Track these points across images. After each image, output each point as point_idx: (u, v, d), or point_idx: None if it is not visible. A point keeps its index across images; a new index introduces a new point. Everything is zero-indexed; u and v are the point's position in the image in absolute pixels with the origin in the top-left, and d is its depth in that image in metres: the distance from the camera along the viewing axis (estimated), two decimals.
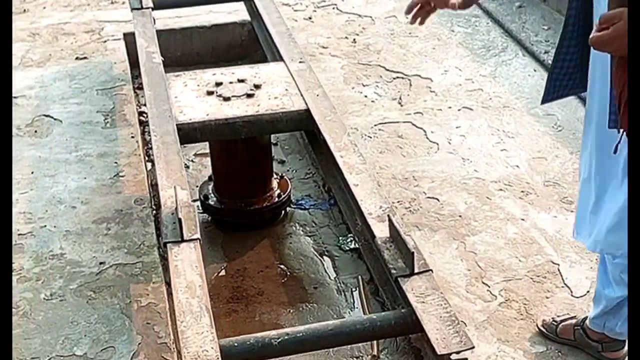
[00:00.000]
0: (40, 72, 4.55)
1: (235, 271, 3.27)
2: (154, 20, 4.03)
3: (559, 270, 3.03)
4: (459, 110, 4.18)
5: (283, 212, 3.56)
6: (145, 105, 4.29)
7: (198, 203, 3.52)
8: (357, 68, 4.65)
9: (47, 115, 4.08)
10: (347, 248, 3.35)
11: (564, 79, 2.19)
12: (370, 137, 3.94)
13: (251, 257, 3.33)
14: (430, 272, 2.18)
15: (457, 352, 1.94)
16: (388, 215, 2.33)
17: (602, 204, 2.26)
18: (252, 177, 3.43)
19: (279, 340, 2.04)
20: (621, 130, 1.90)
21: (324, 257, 3.35)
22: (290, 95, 3.16)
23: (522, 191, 3.50)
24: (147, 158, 3.91)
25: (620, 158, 2.10)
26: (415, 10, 2.39)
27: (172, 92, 3.23)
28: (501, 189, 3.53)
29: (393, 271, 2.18)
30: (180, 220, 2.34)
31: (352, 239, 3.33)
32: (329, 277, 3.25)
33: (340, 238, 3.42)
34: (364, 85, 4.45)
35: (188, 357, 1.93)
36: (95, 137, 3.86)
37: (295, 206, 3.63)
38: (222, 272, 3.28)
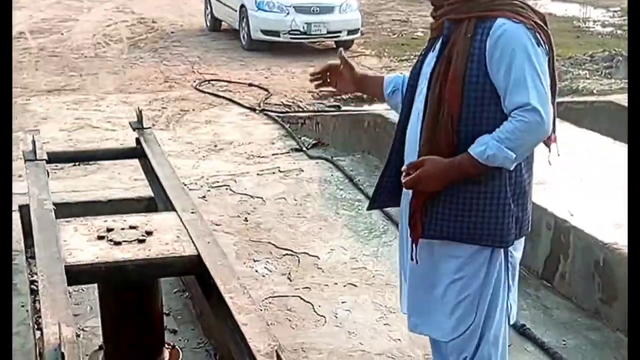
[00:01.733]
0: None
1: None
2: (48, 172, 4.10)
3: None
4: (344, 286, 4.42)
5: None
6: (36, 274, 4.32)
7: None
8: (248, 245, 4.87)
9: None
10: None
11: (385, 195, 2.84)
12: (261, 310, 4.08)
13: None
14: None
15: None
16: (276, 351, 2.40)
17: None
18: (143, 343, 3.46)
19: None
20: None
21: None
22: (182, 242, 3.24)
23: None
24: (36, 327, 3.89)
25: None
26: (318, 77, 2.95)
27: (62, 236, 3.25)
28: None
29: None
30: (62, 355, 2.27)
31: None
32: None
33: None
34: (255, 261, 4.66)
35: None
36: None
37: None
38: None
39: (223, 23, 14.15)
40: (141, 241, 3.23)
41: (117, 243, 3.20)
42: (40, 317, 3.95)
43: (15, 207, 5.03)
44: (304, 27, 12.19)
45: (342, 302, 4.23)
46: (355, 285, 4.43)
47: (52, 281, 2.88)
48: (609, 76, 10.55)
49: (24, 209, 4.79)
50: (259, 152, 6.85)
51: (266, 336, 2.59)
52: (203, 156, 6.68)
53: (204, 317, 4.03)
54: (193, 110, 8.57)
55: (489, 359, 2.77)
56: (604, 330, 3.84)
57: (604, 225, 4.09)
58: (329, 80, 2.97)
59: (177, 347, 3.67)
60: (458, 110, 2.50)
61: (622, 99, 7.24)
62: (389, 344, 3.84)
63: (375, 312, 4.14)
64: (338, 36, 12.59)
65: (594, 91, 9.05)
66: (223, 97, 9.22)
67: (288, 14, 12.23)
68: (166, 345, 3.61)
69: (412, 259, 2.71)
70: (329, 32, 12.43)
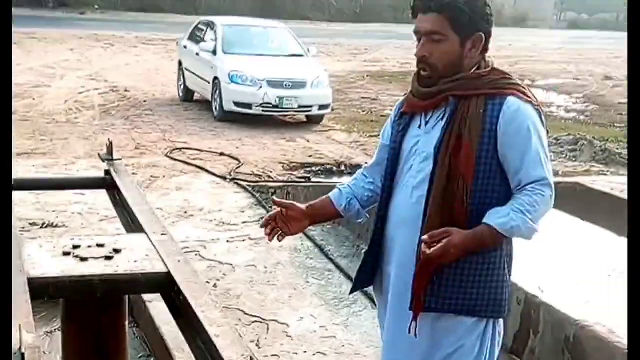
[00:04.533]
0: None
1: None
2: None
3: None
4: (313, 355, 4.38)
5: None
6: None
7: None
8: None
9: None
10: None
11: (366, 275, 2.89)
12: None
13: None
14: None
15: None
16: (250, 357, 2.34)
17: None
18: None
19: None
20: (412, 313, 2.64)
21: None
22: (151, 260, 3.16)
23: None
24: None
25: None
26: (271, 226, 2.88)
27: (26, 251, 3.16)
28: None
29: None
30: (23, 355, 2.16)
31: None
32: None
33: None
34: None
35: None
36: None
37: None
38: None
39: (195, 94, 14.28)
40: (109, 258, 3.13)
41: (84, 259, 3.10)
42: None
43: None
44: (276, 101, 12.32)
45: None
46: (324, 354, 4.39)
47: (15, 291, 2.71)
48: (574, 159, 10.79)
49: None
50: (229, 219, 6.84)
51: (239, 347, 2.49)
52: (173, 222, 6.65)
53: None
54: (163, 177, 8.56)
55: None
56: None
57: (573, 302, 4.13)
58: (280, 229, 2.91)
59: None
60: (472, 181, 2.57)
61: (588, 181, 7.42)
62: None
63: None
64: (309, 110, 12.74)
65: (559, 173, 9.23)
66: (194, 165, 9.23)
67: (261, 87, 12.38)
68: None
69: (409, 333, 2.67)
70: (300, 107, 12.57)
